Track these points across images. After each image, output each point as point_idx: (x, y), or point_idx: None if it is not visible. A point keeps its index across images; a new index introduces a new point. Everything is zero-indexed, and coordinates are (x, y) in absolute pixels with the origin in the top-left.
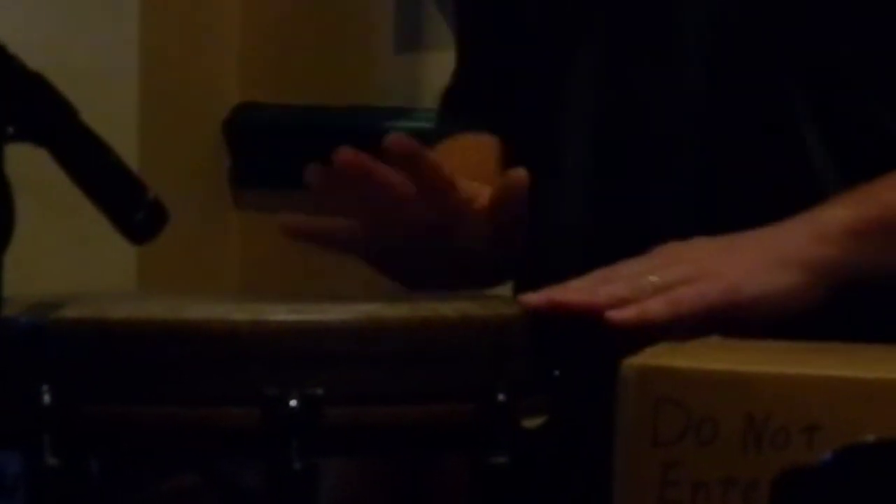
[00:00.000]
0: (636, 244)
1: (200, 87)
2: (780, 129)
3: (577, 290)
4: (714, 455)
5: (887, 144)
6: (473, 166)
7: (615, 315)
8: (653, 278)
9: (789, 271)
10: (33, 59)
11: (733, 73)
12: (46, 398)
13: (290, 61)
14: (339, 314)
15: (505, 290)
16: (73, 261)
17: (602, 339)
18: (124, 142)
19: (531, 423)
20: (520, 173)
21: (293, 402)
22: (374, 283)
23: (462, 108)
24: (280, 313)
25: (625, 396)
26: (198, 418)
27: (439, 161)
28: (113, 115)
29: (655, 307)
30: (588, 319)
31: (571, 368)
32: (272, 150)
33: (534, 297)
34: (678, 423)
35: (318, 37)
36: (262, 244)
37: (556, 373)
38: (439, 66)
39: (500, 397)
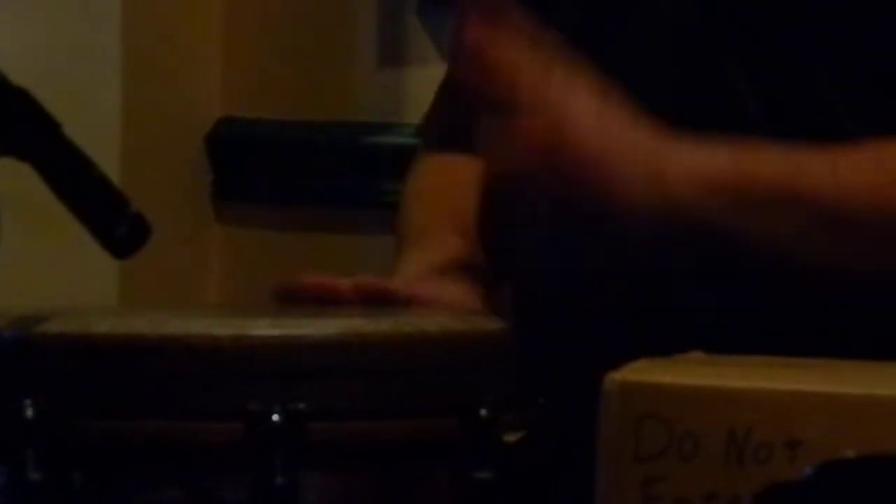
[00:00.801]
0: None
1: (183, 101)
2: (732, 123)
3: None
4: (696, 470)
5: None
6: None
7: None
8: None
9: (653, 195)
10: (16, 73)
11: (709, 62)
12: (29, 412)
13: (272, 76)
14: (321, 329)
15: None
16: (55, 275)
17: (585, 355)
18: (107, 156)
19: (511, 437)
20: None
21: (276, 417)
22: None
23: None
24: (262, 328)
25: (607, 411)
26: (180, 433)
27: (405, 292)
28: (95, 130)
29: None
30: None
31: (554, 383)
32: (254, 164)
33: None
34: (660, 438)
35: (301, 52)
36: (244, 258)
37: (540, 388)
38: (422, 81)
39: (483, 412)
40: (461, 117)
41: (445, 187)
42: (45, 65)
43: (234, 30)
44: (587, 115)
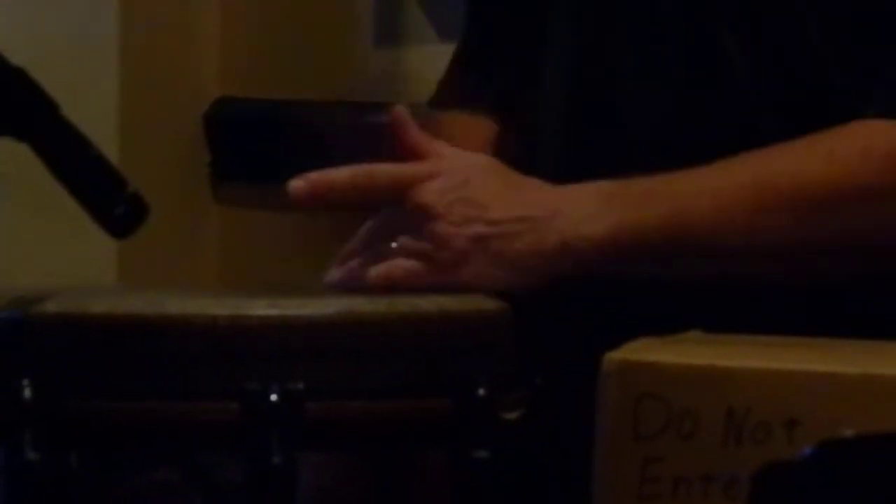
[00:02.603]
0: None
1: (180, 81)
2: (723, 98)
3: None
4: (694, 450)
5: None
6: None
7: (329, 277)
8: (394, 245)
9: (518, 269)
10: (13, 53)
11: (709, 48)
12: (27, 393)
13: (269, 56)
14: (318, 309)
15: None
16: (53, 255)
17: (584, 334)
18: (104, 136)
19: (511, 415)
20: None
21: (273, 397)
22: None
23: (466, 82)
24: (260, 308)
25: (606, 391)
26: (178, 413)
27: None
28: (93, 110)
29: (373, 276)
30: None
31: (553, 363)
32: (252, 144)
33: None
34: (659, 417)
35: (298, 31)
36: (241, 238)
37: (538, 368)
38: (419, 60)
39: (480, 392)
40: (473, 85)
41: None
42: (43, 46)
43: (232, 10)
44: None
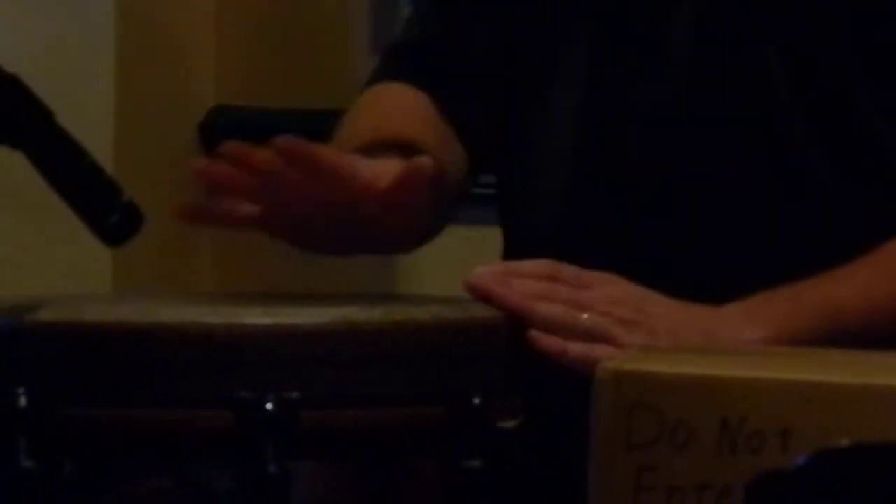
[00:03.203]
0: (616, 248)
1: (176, 89)
2: (767, 124)
3: (519, 294)
4: (689, 459)
5: (874, 139)
6: (405, 114)
7: (541, 340)
8: (585, 317)
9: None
10: (8, 61)
11: (719, 70)
12: (22, 400)
13: (265, 64)
14: (313, 317)
15: None
16: (48, 263)
17: None
18: (100, 145)
19: (505, 424)
20: (424, 160)
21: (268, 406)
22: (348, 284)
23: (412, 62)
24: (254, 316)
25: (600, 400)
26: (172, 421)
27: (333, 154)
28: (89, 118)
29: (576, 351)
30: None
31: (547, 372)
32: None
33: (478, 284)
34: (653, 427)
35: (294, 40)
36: (236, 246)
37: (532, 377)
38: None
39: (475, 401)
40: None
41: (383, 109)
42: (39, 54)
43: (228, 19)
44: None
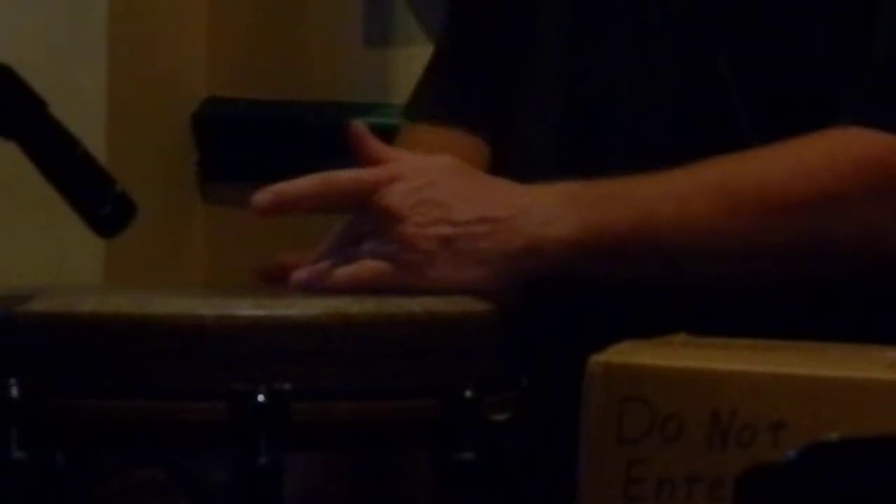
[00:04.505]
0: None
1: (169, 81)
2: (723, 120)
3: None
4: (679, 452)
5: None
6: None
7: (296, 277)
8: (366, 246)
9: (492, 274)
10: (0, 52)
11: (701, 59)
12: (14, 391)
13: (258, 56)
14: (305, 309)
15: None
16: (40, 254)
17: (570, 336)
18: (92, 135)
19: (497, 417)
20: None
21: (261, 397)
22: None
23: (446, 85)
24: (247, 308)
25: (590, 393)
26: (164, 412)
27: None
28: (81, 109)
29: (340, 277)
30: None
31: (539, 365)
32: (240, 144)
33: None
34: (643, 420)
35: (287, 31)
36: (229, 237)
37: (524, 370)
38: (408, 61)
39: (467, 394)
40: (450, 94)
41: None
42: (31, 44)
43: (220, 10)
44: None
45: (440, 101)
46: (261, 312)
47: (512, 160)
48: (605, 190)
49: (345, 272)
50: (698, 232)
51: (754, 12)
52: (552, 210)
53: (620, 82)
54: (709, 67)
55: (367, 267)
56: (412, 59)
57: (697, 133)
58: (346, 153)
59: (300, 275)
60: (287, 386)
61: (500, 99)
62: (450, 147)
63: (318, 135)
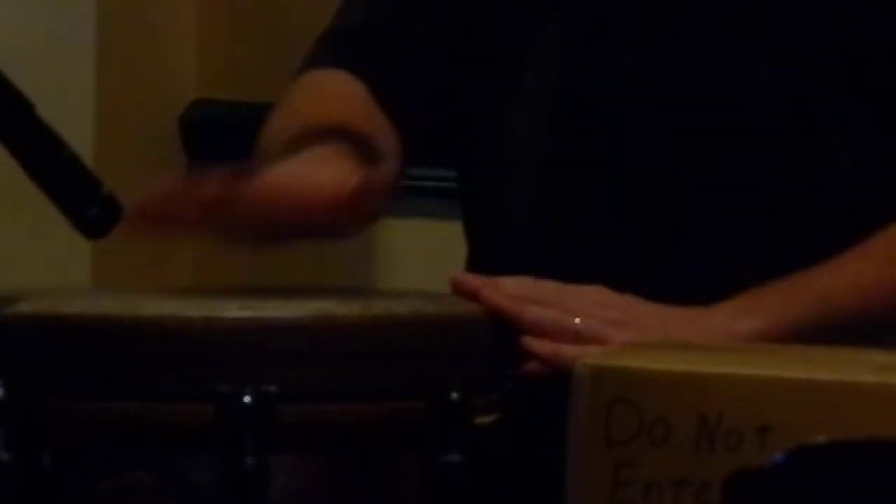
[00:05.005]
0: (590, 230)
1: (156, 82)
2: (740, 110)
3: (508, 298)
4: (667, 455)
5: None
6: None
7: (532, 344)
8: (577, 321)
9: None
10: None
11: (688, 56)
12: (0, 393)
13: (246, 58)
14: (292, 311)
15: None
16: (27, 255)
17: None
18: (80, 137)
19: (484, 419)
20: (386, 167)
21: (247, 399)
22: (326, 277)
23: (347, 48)
24: (233, 310)
25: (578, 396)
26: (151, 414)
27: (259, 190)
28: (69, 111)
29: (569, 353)
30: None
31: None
32: (227, 146)
33: (465, 282)
34: (631, 423)
35: (275, 34)
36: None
37: (511, 372)
38: None
39: (454, 396)
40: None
41: (319, 96)
42: (19, 46)
43: (208, 12)
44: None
45: (334, 55)
46: (247, 314)
47: (496, 156)
48: (783, 288)
49: (574, 349)
50: (874, 307)
51: (790, 8)
52: (736, 316)
53: (614, 77)
54: (748, 58)
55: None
56: None
57: (696, 131)
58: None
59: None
60: (273, 387)
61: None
62: (352, 87)
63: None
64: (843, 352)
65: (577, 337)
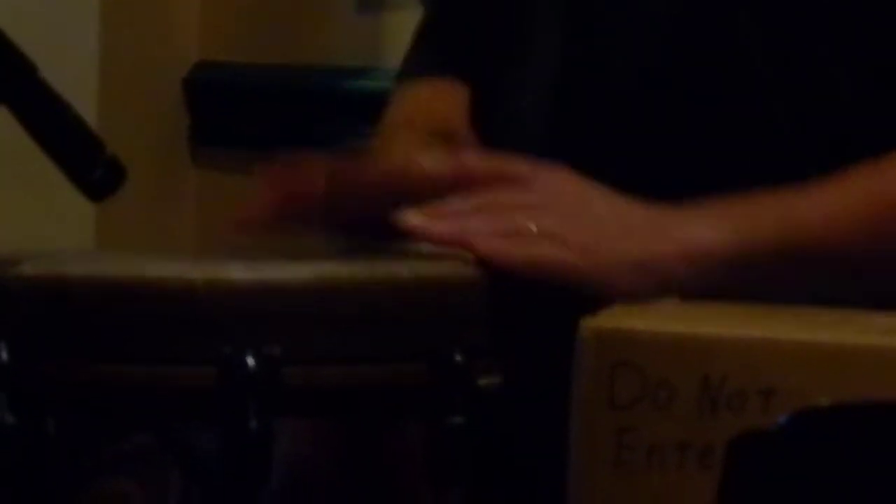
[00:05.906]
0: None
1: (160, 44)
2: (740, 84)
3: (447, 222)
4: (670, 419)
5: (841, 101)
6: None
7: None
8: (525, 222)
9: (648, 279)
10: None
11: (697, 27)
12: (3, 356)
13: (250, 20)
14: (295, 273)
15: None
16: (30, 218)
17: (561, 300)
18: (83, 99)
19: (487, 381)
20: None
21: (250, 362)
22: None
23: (436, 47)
24: (237, 272)
25: (581, 359)
26: (154, 377)
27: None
28: (72, 73)
29: (517, 256)
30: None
31: (530, 329)
32: (231, 108)
33: (410, 219)
34: (635, 386)
35: None
36: (220, 202)
37: (514, 334)
38: (400, 25)
39: (457, 358)
40: (442, 53)
41: (422, 107)
42: (21, 8)
43: None
44: (592, 233)
45: (429, 58)
46: (250, 276)
47: (500, 126)
48: (752, 203)
49: (522, 252)
50: (846, 238)
51: None
52: (701, 224)
53: (618, 47)
54: (726, 28)
55: (546, 252)
56: (404, 23)
57: (704, 99)
58: (338, 117)
59: (440, 227)
60: (277, 350)
61: (488, 60)
62: (442, 93)
63: (309, 99)
64: (847, 314)
65: (533, 241)
